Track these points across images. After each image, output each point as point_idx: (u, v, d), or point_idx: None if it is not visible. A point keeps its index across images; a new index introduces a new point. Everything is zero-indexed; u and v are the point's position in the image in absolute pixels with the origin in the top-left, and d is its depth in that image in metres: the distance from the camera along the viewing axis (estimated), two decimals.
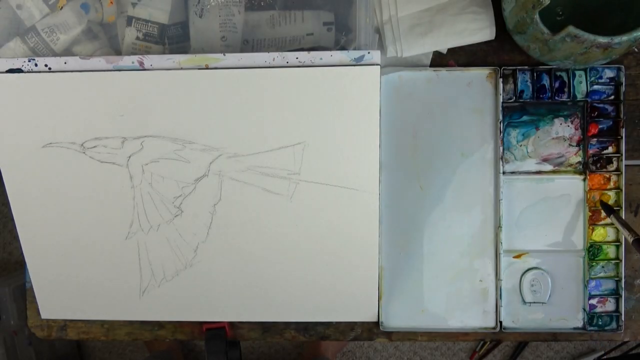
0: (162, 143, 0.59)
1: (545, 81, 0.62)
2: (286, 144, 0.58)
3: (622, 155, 0.62)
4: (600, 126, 0.62)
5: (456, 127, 0.63)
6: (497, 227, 0.63)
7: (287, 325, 0.67)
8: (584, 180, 0.63)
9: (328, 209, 0.59)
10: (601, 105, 0.62)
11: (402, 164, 0.63)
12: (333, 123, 0.57)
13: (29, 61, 0.57)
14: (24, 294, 1.17)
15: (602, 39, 0.49)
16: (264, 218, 0.60)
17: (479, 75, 0.62)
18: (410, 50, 0.61)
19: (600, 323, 0.63)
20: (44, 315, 0.66)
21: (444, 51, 0.63)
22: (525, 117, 0.62)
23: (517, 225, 0.63)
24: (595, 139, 0.62)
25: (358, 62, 0.56)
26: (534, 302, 0.64)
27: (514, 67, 0.62)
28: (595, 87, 0.62)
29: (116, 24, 0.61)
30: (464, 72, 0.62)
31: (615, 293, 0.63)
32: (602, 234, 0.63)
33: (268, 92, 0.57)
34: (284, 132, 0.58)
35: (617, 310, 0.63)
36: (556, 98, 0.62)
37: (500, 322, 0.63)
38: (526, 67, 0.62)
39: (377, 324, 0.65)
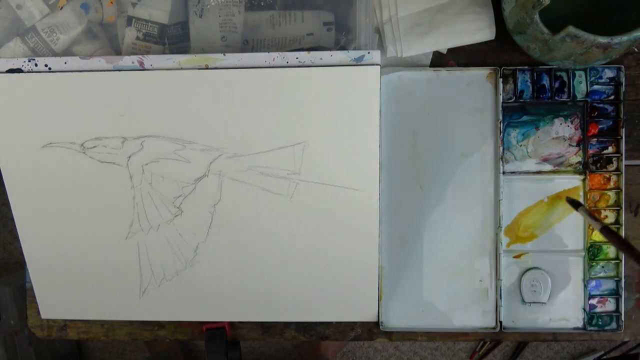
0: (162, 143, 0.59)
1: (545, 81, 0.62)
2: (286, 144, 0.58)
3: (622, 155, 0.62)
4: (600, 126, 0.62)
5: (456, 127, 0.63)
6: (497, 227, 0.63)
7: (287, 325, 0.67)
8: (584, 180, 0.63)
9: (328, 209, 0.59)
10: (601, 105, 0.62)
11: (402, 164, 0.63)
12: (333, 123, 0.57)
13: (29, 61, 0.57)
14: (24, 294, 1.17)
15: (602, 39, 0.49)
16: (264, 218, 0.60)
17: (479, 75, 0.62)
18: (410, 50, 0.61)
19: (600, 323, 0.63)
20: (44, 315, 0.66)
21: (444, 51, 0.63)
22: (525, 117, 0.62)
23: (517, 225, 0.63)
24: (595, 139, 0.62)
25: (358, 62, 0.56)
26: (534, 302, 0.64)
27: (514, 67, 0.62)
28: (595, 87, 0.62)
29: (116, 24, 0.61)
30: (464, 72, 0.62)
31: (615, 293, 0.63)
32: None
33: (268, 92, 0.57)
34: (284, 132, 0.58)
35: (617, 310, 0.63)
36: (556, 98, 0.62)
37: (500, 322, 0.63)
38: (526, 67, 0.62)
39: (377, 324, 0.65)
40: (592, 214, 0.58)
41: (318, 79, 0.56)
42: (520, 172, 0.63)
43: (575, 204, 0.61)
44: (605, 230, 0.56)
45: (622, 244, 0.55)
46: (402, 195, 0.63)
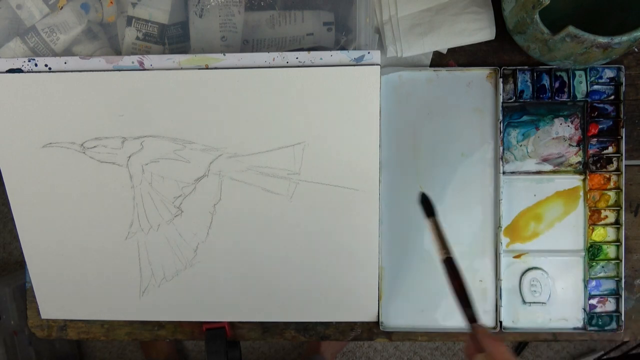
0: (162, 143, 0.59)
1: (545, 81, 0.62)
2: (286, 144, 0.58)
3: (622, 155, 0.62)
4: (600, 126, 0.62)
5: (456, 127, 0.63)
6: (497, 227, 0.63)
7: (287, 325, 0.67)
8: (584, 180, 0.63)
9: (328, 209, 0.59)
10: (601, 105, 0.62)
11: (402, 164, 0.63)
12: (333, 123, 0.57)
13: (29, 61, 0.57)
14: (24, 294, 1.17)
15: (602, 39, 0.49)
16: (264, 218, 0.60)
17: (479, 75, 0.62)
18: (410, 50, 0.61)
19: (600, 323, 0.63)
20: (44, 315, 0.66)
21: (444, 51, 0.62)
22: (525, 117, 0.62)
23: (517, 225, 0.63)
24: (595, 139, 0.62)
25: (358, 62, 0.56)
26: (534, 302, 0.64)
27: (514, 67, 0.62)
28: (595, 87, 0.62)
29: (116, 24, 0.61)
30: (464, 72, 0.62)
31: (615, 293, 0.63)
32: (602, 234, 0.63)
33: (268, 92, 0.56)
34: (284, 132, 0.58)
35: (617, 310, 0.63)
36: (556, 98, 0.62)
37: (500, 322, 0.63)
38: (526, 67, 0.62)
39: (377, 324, 0.65)
40: (442, 235, 0.49)
41: (318, 79, 0.56)
42: (520, 172, 0.63)
43: (427, 209, 0.51)
44: (447, 262, 0.48)
45: (457, 287, 0.47)
46: (402, 195, 0.63)
